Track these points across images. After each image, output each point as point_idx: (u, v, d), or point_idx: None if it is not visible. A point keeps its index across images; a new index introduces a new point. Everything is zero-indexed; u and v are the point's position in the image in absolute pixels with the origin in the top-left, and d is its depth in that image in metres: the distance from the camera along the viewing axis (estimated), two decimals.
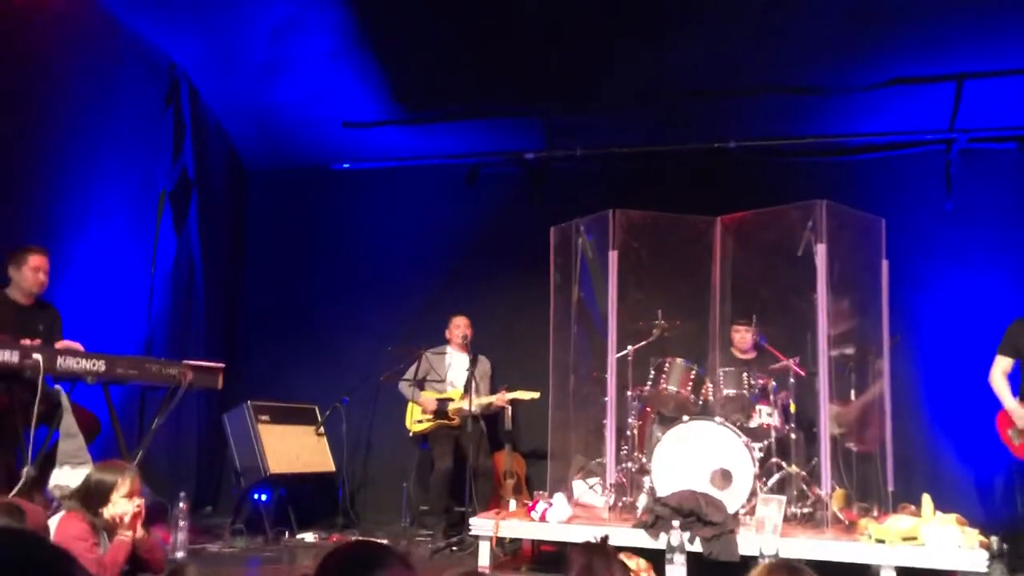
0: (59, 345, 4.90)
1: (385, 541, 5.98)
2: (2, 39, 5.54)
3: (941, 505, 5.07)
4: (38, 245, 5.19)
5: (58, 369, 4.60)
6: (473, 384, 6.40)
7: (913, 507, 5.19)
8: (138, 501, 3.73)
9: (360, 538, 5.31)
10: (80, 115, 6.21)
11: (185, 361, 5.48)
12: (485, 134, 7.49)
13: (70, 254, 6.04)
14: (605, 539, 2.91)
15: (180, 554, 5.17)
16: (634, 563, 2.91)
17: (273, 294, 8.02)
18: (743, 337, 6.22)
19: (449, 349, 6.85)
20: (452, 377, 6.77)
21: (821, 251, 5.39)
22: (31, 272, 5.06)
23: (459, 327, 6.80)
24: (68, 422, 4.55)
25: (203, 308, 7.54)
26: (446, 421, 6.60)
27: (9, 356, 4.38)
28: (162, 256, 7.12)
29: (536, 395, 6.37)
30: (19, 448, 4.55)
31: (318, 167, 7.96)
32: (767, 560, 3.65)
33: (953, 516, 4.82)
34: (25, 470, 4.38)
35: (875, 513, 5.42)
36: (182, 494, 5.54)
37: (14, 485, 4.39)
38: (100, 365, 4.84)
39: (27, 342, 4.59)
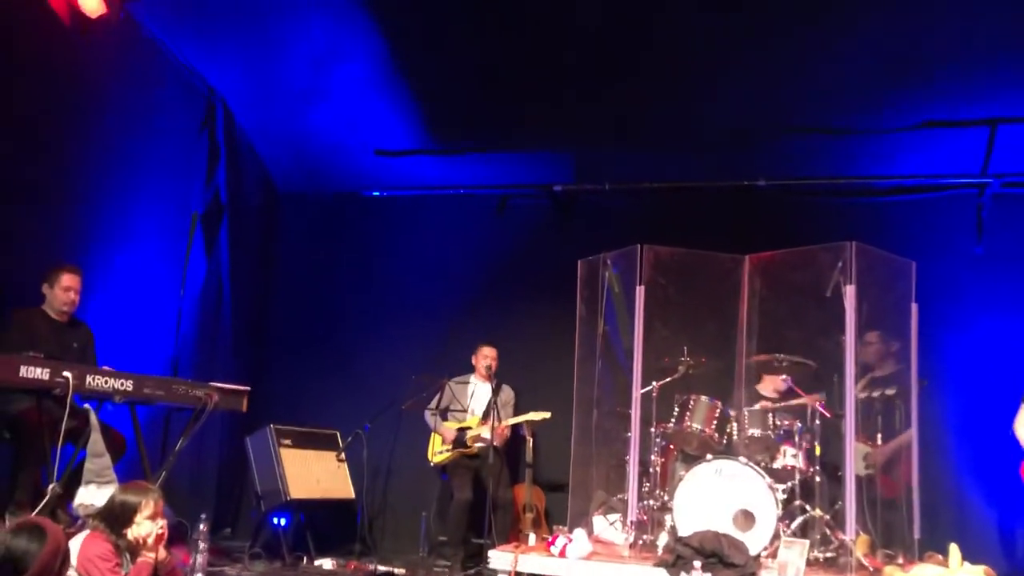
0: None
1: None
2: (50, 61, 5.66)
3: (968, 555, 4.98)
4: (71, 264, 5.28)
5: (87, 388, 4.65)
6: (494, 412, 6.37)
7: (940, 556, 5.10)
8: (161, 523, 3.75)
9: None
10: (119, 137, 6.32)
11: (211, 383, 5.51)
12: (515, 165, 7.54)
13: (103, 273, 6.12)
14: None
15: None
16: None
17: (300, 318, 8.06)
18: (778, 380, 6.10)
19: (472, 378, 6.85)
20: (474, 406, 6.77)
21: (850, 292, 5.36)
22: (62, 291, 5.15)
23: (486, 357, 6.80)
24: (95, 441, 4.59)
25: (230, 330, 7.60)
26: (465, 450, 6.59)
27: (40, 373, 4.43)
28: (192, 278, 7.19)
29: (547, 415, 6.34)
30: (45, 465, 4.59)
31: (349, 193, 8.03)
32: None
33: (981, 568, 4.74)
34: (51, 487, 4.41)
35: (900, 560, 5.34)
36: (203, 516, 5.54)
37: (40, 502, 4.42)
38: (128, 385, 4.88)
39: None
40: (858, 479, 5.42)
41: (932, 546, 5.40)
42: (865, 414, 5.77)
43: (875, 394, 5.78)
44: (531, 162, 7.47)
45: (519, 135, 7.25)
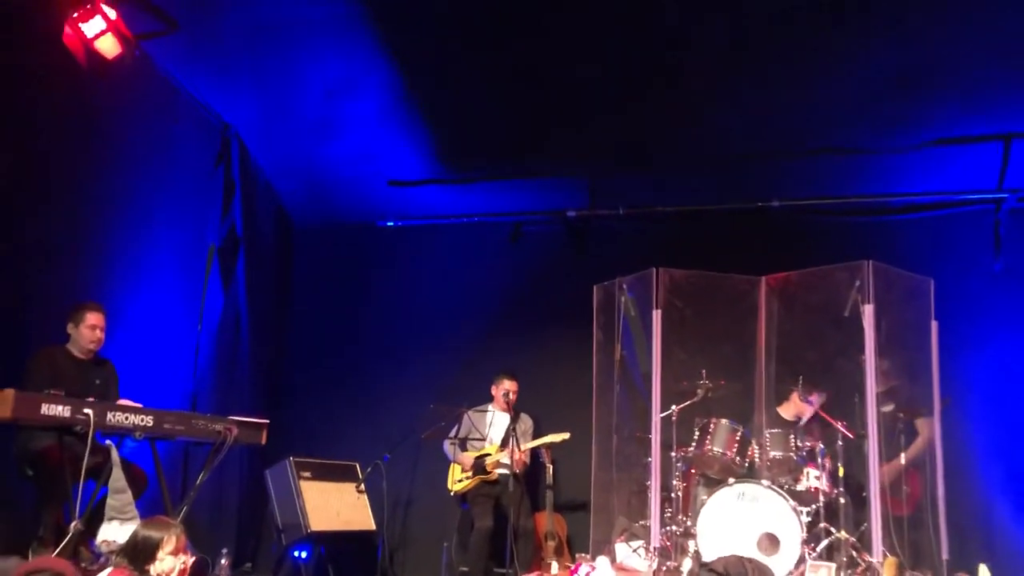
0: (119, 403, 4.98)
1: None
2: (68, 100, 5.75)
3: (998, 575, 4.90)
4: (94, 302, 5.31)
5: (108, 424, 4.67)
6: (513, 440, 6.35)
7: None
8: (183, 558, 3.74)
9: None
10: (135, 173, 6.39)
11: (230, 417, 5.52)
12: (528, 192, 7.57)
13: (121, 309, 6.16)
14: None
15: None
16: None
17: (317, 349, 8.08)
18: (805, 407, 6.05)
19: (491, 407, 6.83)
20: (493, 435, 6.74)
21: (868, 312, 5.33)
22: (88, 329, 5.18)
23: (507, 390, 6.76)
24: (117, 477, 4.60)
25: (248, 363, 7.62)
26: (485, 477, 6.56)
27: (61, 411, 4.45)
28: (209, 311, 7.22)
29: (566, 436, 6.30)
30: (67, 502, 4.60)
31: (364, 224, 8.07)
32: None
33: None
34: (73, 524, 4.42)
35: None
36: (224, 551, 5.56)
37: (62, 539, 4.43)
38: (148, 420, 4.90)
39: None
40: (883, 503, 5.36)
41: (961, 566, 5.34)
42: (886, 435, 5.72)
43: (884, 409, 5.73)
44: (544, 188, 7.51)
45: (532, 162, 7.29)
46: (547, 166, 7.33)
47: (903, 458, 5.82)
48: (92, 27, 5.68)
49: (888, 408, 5.76)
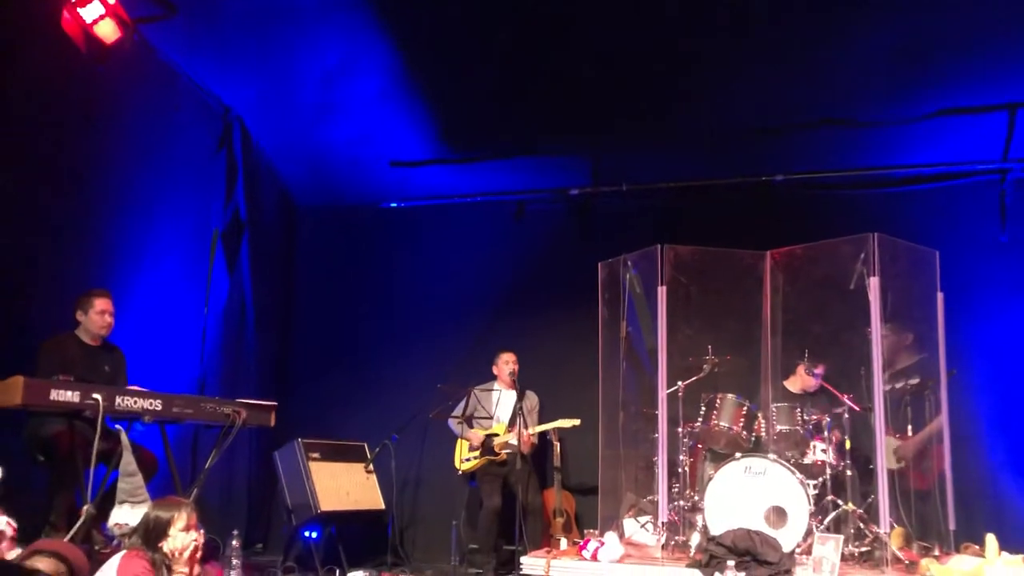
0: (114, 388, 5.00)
1: None
2: (69, 85, 5.74)
3: (1005, 545, 4.92)
4: (102, 289, 5.33)
5: (117, 408, 4.69)
6: (520, 419, 6.38)
7: (976, 547, 5.06)
8: (195, 534, 3.77)
9: None
10: (138, 160, 6.39)
11: (238, 399, 5.55)
12: (531, 171, 7.55)
13: (127, 294, 6.18)
14: None
15: None
16: None
17: (323, 332, 8.10)
18: (810, 379, 6.07)
19: (497, 385, 6.85)
20: (500, 413, 6.77)
21: (874, 284, 5.32)
22: (97, 315, 5.20)
23: (507, 363, 6.80)
24: (127, 461, 4.63)
25: (254, 346, 7.65)
26: (493, 457, 6.59)
27: (70, 396, 4.48)
28: (215, 295, 7.24)
29: (577, 422, 6.33)
30: (79, 486, 4.63)
31: (367, 206, 8.07)
32: None
33: (1020, 557, 4.68)
34: (85, 508, 4.45)
35: (936, 553, 5.29)
36: (234, 532, 5.58)
37: (74, 523, 4.47)
38: (157, 404, 4.93)
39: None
40: (890, 472, 5.37)
41: (968, 537, 5.35)
42: (893, 407, 5.73)
43: (898, 385, 5.73)
44: (547, 167, 7.48)
45: (535, 140, 7.26)
46: (550, 144, 7.30)
47: (928, 430, 5.82)
48: (91, 12, 5.66)
49: (915, 381, 5.77)
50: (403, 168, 7.69)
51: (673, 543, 5.56)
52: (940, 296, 5.74)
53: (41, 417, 4.70)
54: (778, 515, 5.26)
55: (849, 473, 5.55)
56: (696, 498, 5.69)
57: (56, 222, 5.68)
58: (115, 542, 4.32)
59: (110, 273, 6.07)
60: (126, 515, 4.42)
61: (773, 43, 6.08)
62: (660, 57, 6.32)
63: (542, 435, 6.67)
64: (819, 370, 5.97)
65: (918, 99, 6.37)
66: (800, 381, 6.11)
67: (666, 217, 7.16)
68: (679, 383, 5.89)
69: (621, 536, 5.56)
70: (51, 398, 4.41)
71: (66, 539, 4.36)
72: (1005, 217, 6.54)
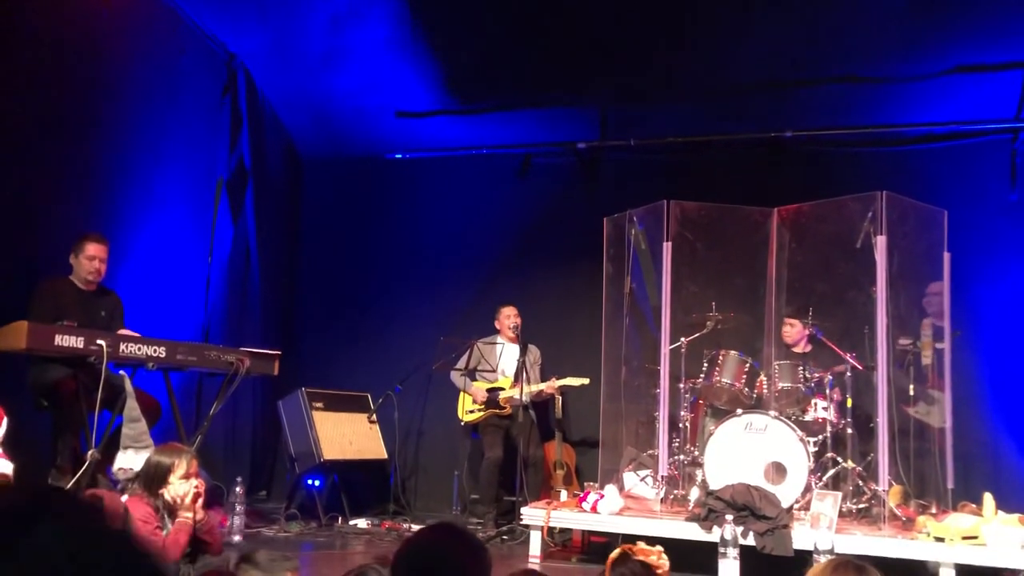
0: (119, 334, 5.02)
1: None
2: (70, 32, 5.67)
3: (1003, 505, 4.95)
4: (96, 233, 5.29)
5: (121, 355, 4.72)
6: (524, 373, 6.40)
7: (974, 506, 5.08)
8: (196, 482, 3.80)
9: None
10: (142, 106, 6.34)
11: (242, 348, 5.57)
12: (538, 124, 7.48)
13: (131, 242, 6.17)
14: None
15: (237, 538, 5.28)
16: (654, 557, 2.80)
17: (327, 282, 8.11)
18: (789, 332, 6.11)
19: (500, 339, 6.86)
20: (503, 366, 6.79)
21: (881, 243, 5.28)
22: (87, 260, 5.14)
23: (508, 317, 6.81)
24: (131, 407, 4.66)
25: (259, 295, 7.66)
26: (497, 411, 6.63)
27: (74, 342, 4.50)
28: (219, 244, 7.24)
29: (586, 381, 6.35)
30: (83, 431, 4.67)
31: (372, 157, 8.01)
32: (827, 557, 3.61)
33: (1016, 516, 4.70)
34: (90, 453, 4.50)
35: (934, 511, 5.32)
36: (239, 479, 5.66)
37: (79, 468, 4.51)
38: (160, 351, 4.95)
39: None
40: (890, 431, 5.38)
41: (967, 496, 5.38)
42: (896, 367, 5.72)
43: (939, 346, 5.73)
44: (555, 119, 7.41)
45: (542, 93, 7.18)
46: (558, 96, 7.22)
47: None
48: None
49: (941, 345, 5.76)
50: (409, 119, 7.61)
51: (672, 497, 5.60)
52: (947, 256, 5.70)
53: (44, 363, 4.72)
54: (777, 471, 5.28)
55: (850, 431, 5.57)
56: (696, 453, 5.72)
57: (60, 166, 5.65)
58: (119, 486, 4.36)
59: (114, 219, 6.06)
60: (130, 460, 4.47)
61: None
62: (669, 9, 6.21)
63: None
64: (795, 325, 5.98)
65: (933, 55, 6.27)
66: (793, 332, 6.12)
67: (674, 172, 7.10)
68: (682, 339, 5.88)
69: (621, 489, 5.60)
70: (55, 343, 4.43)
71: (71, 483, 4.42)
72: (1016, 177, 6.47)
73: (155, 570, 0.84)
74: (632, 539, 5.13)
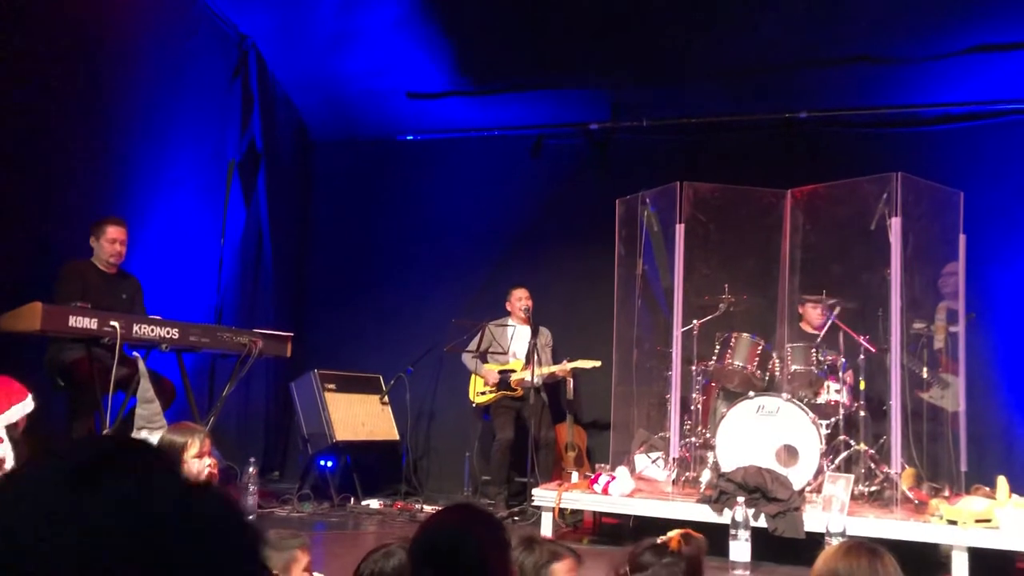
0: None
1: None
2: (81, 11, 5.66)
3: (1016, 488, 4.93)
4: (115, 216, 5.33)
5: (134, 336, 4.74)
6: (536, 355, 6.40)
7: (987, 489, 5.06)
8: (208, 461, 3.81)
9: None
10: (153, 86, 6.33)
11: (255, 329, 5.59)
12: (550, 105, 7.43)
13: (144, 223, 6.19)
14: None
15: (249, 518, 5.30)
16: None
17: (339, 264, 8.11)
18: (815, 313, 6.04)
19: (511, 321, 6.86)
20: (515, 348, 6.79)
21: (896, 225, 5.24)
22: (108, 243, 5.21)
23: (520, 299, 6.80)
24: (145, 388, 4.69)
25: (271, 277, 7.68)
26: (508, 392, 6.63)
27: (88, 323, 4.52)
28: (231, 226, 7.24)
29: (598, 363, 6.35)
30: (98, 412, 4.71)
31: (383, 138, 8.00)
32: (839, 539, 3.61)
33: None
34: (104, 433, 4.53)
35: (947, 493, 5.30)
36: (251, 460, 5.69)
37: None
38: (174, 333, 4.97)
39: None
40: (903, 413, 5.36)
41: (979, 479, 5.36)
42: (910, 349, 5.70)
43: (953, 329, 5.71)
44: (567, 101, 7.36)
45: (554, 73, 7.13)
46: (569, 78, 7.17)
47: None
48: None
49: (956, 329, 5.73)
50: (420, 100, 7.58)
51: (684, 479, 5.61)
52: (962, 238, 5.65)
53: (60, 344, 4.76)
54: (789, 453, 5.27)
55: (862, 414, 5.55)
56: (708, 435, 5.72)
57: (72, 149, 5.66)
58: None
59: (127, 201, 6.07)
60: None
61: None
62: None
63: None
64: (819, 308, 5.91)
65: (951, 34, 6.18)
66: (807, 319, 6.09)
67: (687, 154, 7.06)
68: (694, 321, 5.87)
69: (632, 471, 5.60)
70: (69, 324, 4.46)
71: None
72: None
73: (250, 525, 0.85)
74: (643, 520, 5.16)
